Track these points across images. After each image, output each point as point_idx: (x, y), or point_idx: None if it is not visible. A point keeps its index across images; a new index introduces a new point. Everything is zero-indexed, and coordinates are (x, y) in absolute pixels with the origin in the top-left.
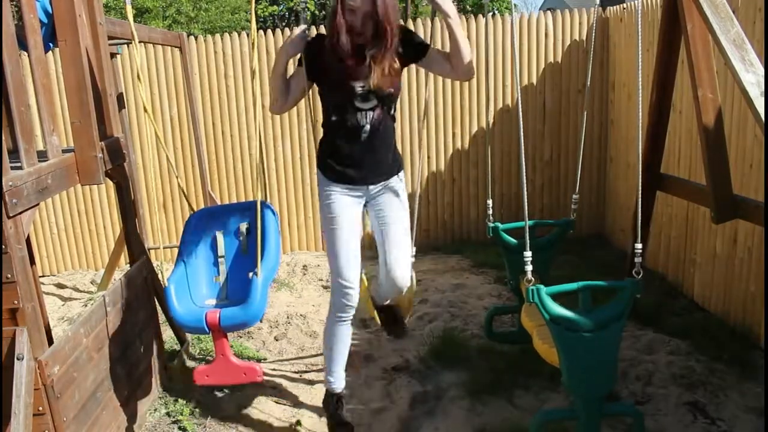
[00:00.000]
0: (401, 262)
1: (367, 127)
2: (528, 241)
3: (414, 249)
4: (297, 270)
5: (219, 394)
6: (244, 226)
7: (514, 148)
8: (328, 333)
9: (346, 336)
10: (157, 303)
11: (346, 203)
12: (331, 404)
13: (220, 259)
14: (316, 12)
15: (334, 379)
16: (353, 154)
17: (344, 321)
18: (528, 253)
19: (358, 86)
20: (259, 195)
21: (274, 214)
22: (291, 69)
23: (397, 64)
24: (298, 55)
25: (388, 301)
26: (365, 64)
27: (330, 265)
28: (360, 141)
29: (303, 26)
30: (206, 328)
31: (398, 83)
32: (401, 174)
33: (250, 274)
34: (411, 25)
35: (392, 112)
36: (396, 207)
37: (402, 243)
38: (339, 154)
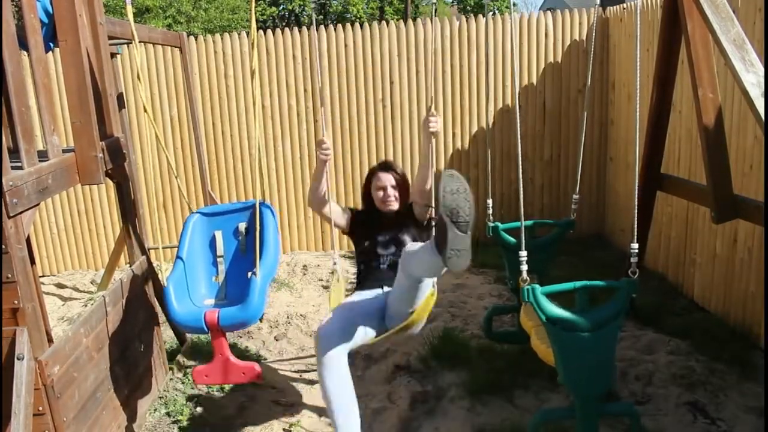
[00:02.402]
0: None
1: (385, 266)
2: (524, 241)
3: None
4: (297, 270)
5: (219, 394)
6: (243, 226)
7: (514, 148)
8: None
9: None
10: (156, 303)
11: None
12: None
13: (219, 259)
14: (315, 15)
15: None
16: (373, 280)
17: None
18: (523, 253)
19: (381, 238)
20: (258, 195)
21: (273, 214)
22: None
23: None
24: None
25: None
26: (388, 224)
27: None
28: (380, 271)
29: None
30: (205, 328)
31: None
32: None
33: (249, 274)
34: (411, 25)
35: None
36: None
37: None
38: (362, 285)
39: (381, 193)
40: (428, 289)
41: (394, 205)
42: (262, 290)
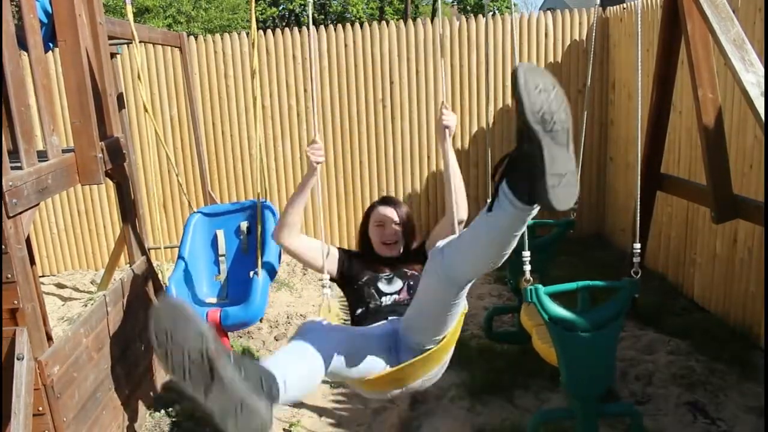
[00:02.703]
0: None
1: (390, 302)
2: (526, 241)
3: None
4: (297, 270)
5: None
6: (244, 225)
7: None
8: None
9: None
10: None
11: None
12: None
13: (220, 258)
14: (315, 15)
15: None
16: (374, 317)
17: None
18: (526, 253)
19: (383, 275)
20: (260, 194)
21: (274, 213)
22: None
23: (418, 268)
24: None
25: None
26: (390, 262)
27: None
28: (383, 308)
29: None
30: None
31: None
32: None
33: (251, 274)
34: (411, 25)
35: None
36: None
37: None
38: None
39: (380, 231)
40: (462, 305)
41: (396, 248)
42: (263, 290)
